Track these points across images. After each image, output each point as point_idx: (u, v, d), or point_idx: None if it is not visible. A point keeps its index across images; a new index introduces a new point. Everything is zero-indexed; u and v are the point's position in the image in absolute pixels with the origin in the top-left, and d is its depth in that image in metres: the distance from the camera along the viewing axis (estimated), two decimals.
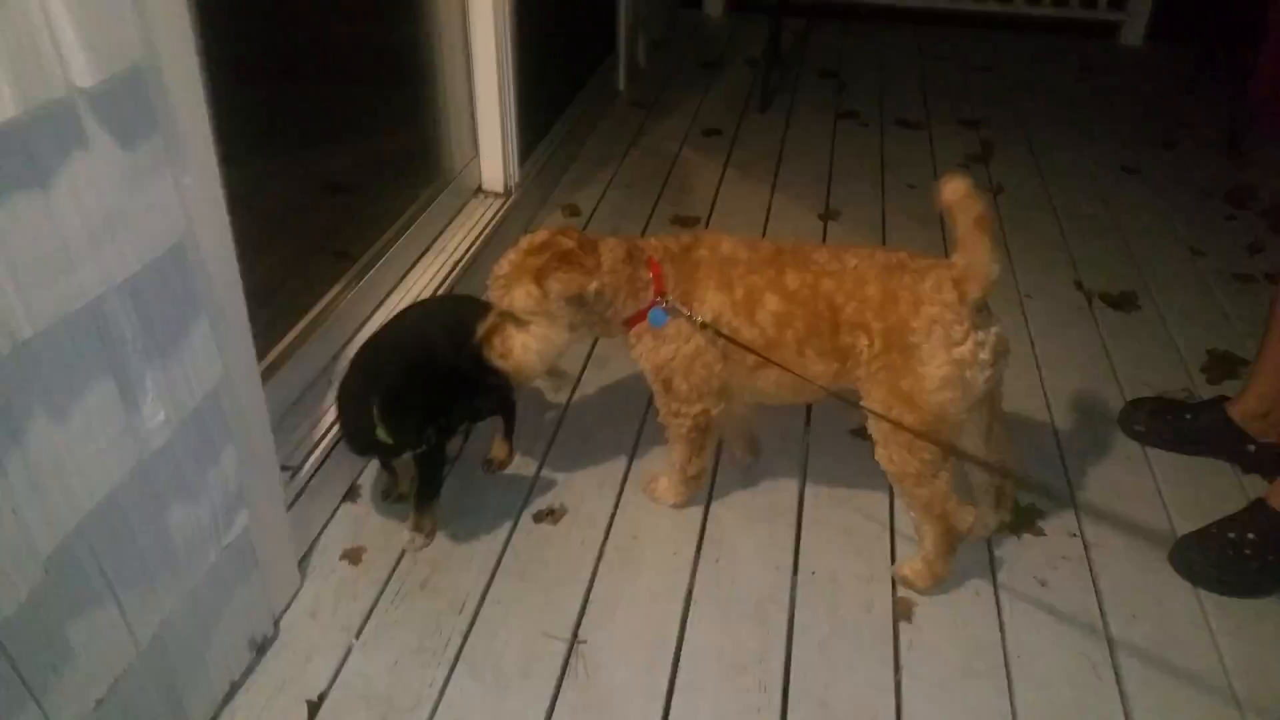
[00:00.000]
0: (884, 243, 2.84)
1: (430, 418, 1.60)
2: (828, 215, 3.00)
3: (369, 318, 2.15)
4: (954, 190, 1.46)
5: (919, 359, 1.52)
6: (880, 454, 1.62)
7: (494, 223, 2.58)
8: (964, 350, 1.51)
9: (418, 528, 1.77)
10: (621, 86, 3.85)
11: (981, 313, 1.54)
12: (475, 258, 2.44)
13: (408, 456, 1.74)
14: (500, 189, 2.71)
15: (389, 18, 2.45)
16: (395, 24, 2.45)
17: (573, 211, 2.95)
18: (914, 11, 4.75)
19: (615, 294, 1.62)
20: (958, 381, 1.52)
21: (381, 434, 1.61)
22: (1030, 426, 2.12)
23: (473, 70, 2.56)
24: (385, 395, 1.59)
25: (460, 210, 2.60)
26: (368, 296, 2.16)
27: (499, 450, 1.97)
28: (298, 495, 1.70)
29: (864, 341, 1.56)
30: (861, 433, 2.06)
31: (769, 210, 3.02)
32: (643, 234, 2.83)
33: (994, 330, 1.55)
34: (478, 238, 2.49)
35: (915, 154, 3.42)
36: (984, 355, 1.52)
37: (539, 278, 1.57)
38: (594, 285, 1.59)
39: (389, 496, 1.88)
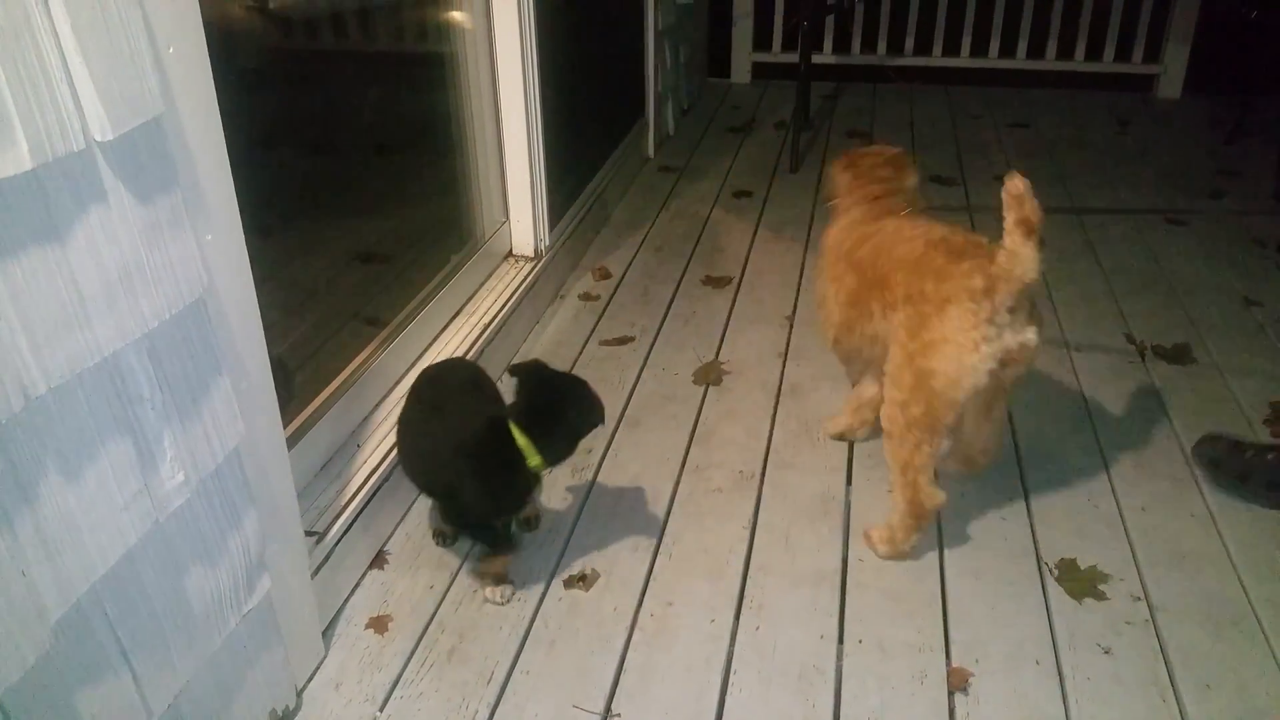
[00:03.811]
0: None
1: (572, 425, 1.64)
2: None
3: (399, 381, 2.13)
4: (1011, 189, 1.52)
5: (926, 328, 1.61)
6: (881, 409, 1.76)
7: (524, 286, 2.56)
8: (967, 337, 1.58)
9: (501, 576, 1.73)
10: (651, 152, 3.87)
11: (1015, 313, 1.58)
12: (505, 321, 2.42)
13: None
14: (531, 253, 2.70)
15: (420, 87, 2.48)
16: (426, 93, 2.48)
17: (604, 274, 2.93)
18: (942, 71, 4.76)
19: None
20: (952, 362, 1.59)
21: (535, 460, 1.59)
22: (1087, 484, 2.02)
23: (503, 138, 2.58)
24: (528, 415, 1.60)
25: (491, 274, 2.59)
26: (397, 360, 2.14)
27: (531, 508, 1.91)
28: (323, 562, 1.65)
29: (890, 296, 1.70)
30: None
31: (802, 269, 2.98)
32: (673, 296, 2.80)
33: (1020, 336, 1.60)
34: (508, 301, 2.47)
35: (951, 212, 3.37)
36: (986, 349, 1.58)
37: None
38: None
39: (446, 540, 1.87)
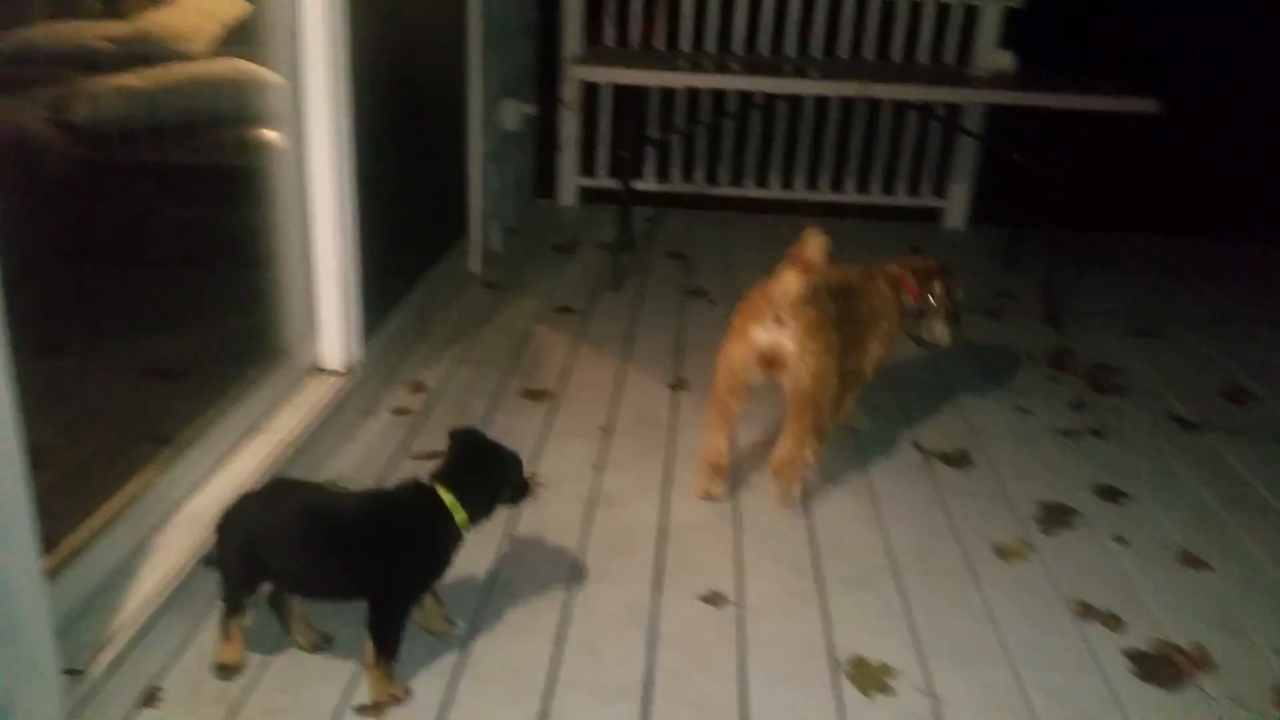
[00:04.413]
0: None
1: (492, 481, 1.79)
2: (677, 385, 3.05)
3: (183, 503, 2.02)
4: (806, 235, 2.10)
5: (730, 326, 2.30)
6: None
7: (331, 402, 2.51)
8: (738, 333, 2.25)
9: (393, 692, 1.72)
10: (475, 269, 3.92)
11: (781, 324, 2.18)
12: (308, 438, 2.36)
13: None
14: (341, 368, 2.65)
15: (229, 201, 2.45)
16: (235, 207, 2.45)
17: (419, 388, 2.91)
18: (755, 201, 5.07)
19: None
20: (729, 347, 2.28)
21: (461, 516, 1.71)
22: (877, 581, 2.12)
23: (312, 252, 2.56)
24: (450, 475, 1.74)
25: (294, 390, 2.52)
26: (184, 481, 2.03)
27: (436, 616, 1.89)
28: (83, 702, 1.52)
29: None
30: (713, 599, 2.03)
31: (621, 382, 3.05)
32: (489, 410, 2.81)
33: (774, 337, 2.20)
34: (312, 418, 2.41)
35: None
36: (747, 342, 2.22)
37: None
38: None
39: (319, 648, 1.82)
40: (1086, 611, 2.04)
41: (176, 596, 1.78)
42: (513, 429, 2.71)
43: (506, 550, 2.18)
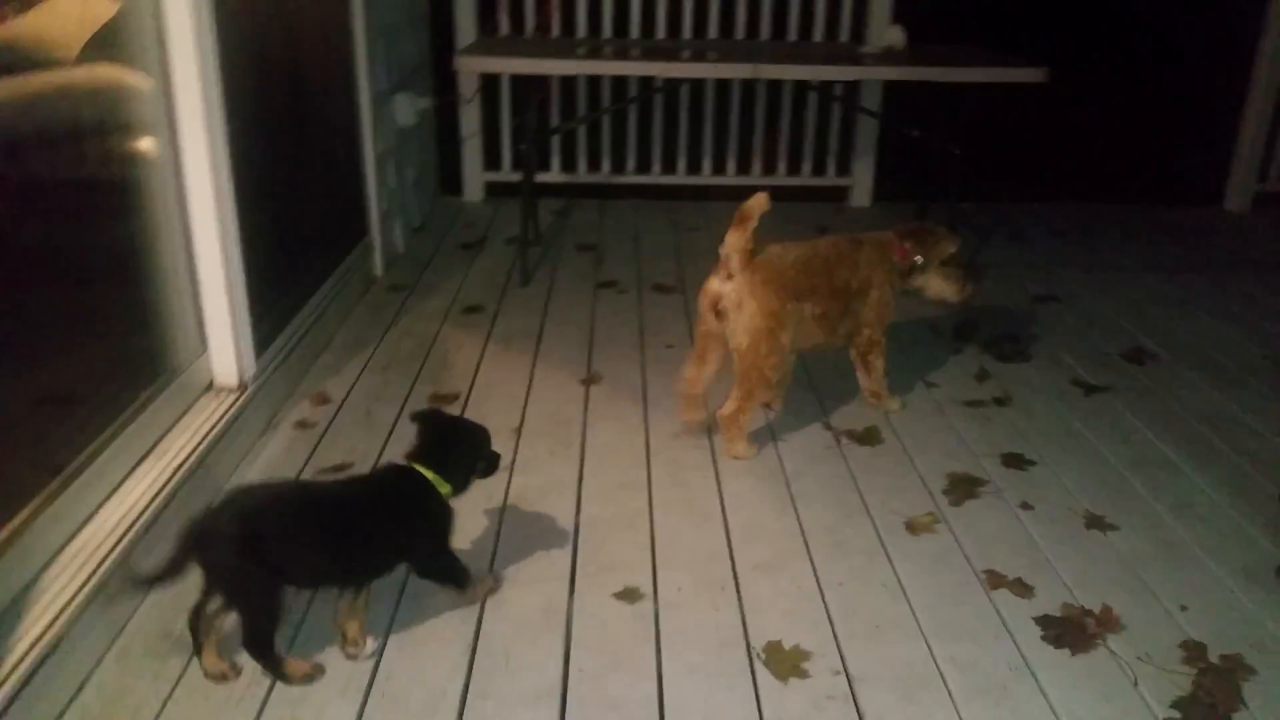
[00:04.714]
0: (644, 402, 2.87)
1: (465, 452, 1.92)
2: (590, 380, 3.02)
3: (75, 534, 1.92)
4: (753, 198, 2.40)
5: None
6: None
7: (227, 419, 2.42)
8: (709, 278, 2.50)
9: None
10: (380, 272, 3.83)
11: (730, 276, 2.43)
12: (204, 458, 2.27)
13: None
14: (235, 384, 2.56)
15: (98, 213, 2.33)
16: (105, 220, 2.33)
17: (322, 399, 2.83)
18: (665, 187, 5.06)
19: None
20: (701, 291, 2.51)
21: (445, 489, 1.84)
22: (792, 565, 2.12)
23: (195, 263, 2.45)
24: (423, 453, 1.86)
25: (186, 410, 2.42)
26: (73, 512, 1.93)
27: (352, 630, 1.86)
28: None
29: None
30: (628, 595, 2.01)
31: (531, 380, 3.00)
32: (397, 417, 2.74)
33: (719, 287, 2.45)
34: (206, 437, 2.32)
35: (671, 316, 3.54)
36: (705, 290, 2.49)
37: None
38: None
39: (226, 678, 1.76)
40: (996, 580, 2.08)
41: (69, 637, 1.69)
42: None
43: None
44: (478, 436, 1.95)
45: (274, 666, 1.73)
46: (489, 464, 1.97)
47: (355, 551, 1.77)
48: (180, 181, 2.39)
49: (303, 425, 2.69)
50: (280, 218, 2.88)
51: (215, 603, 1.71)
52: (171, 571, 1.65)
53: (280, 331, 2.84)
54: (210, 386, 2.54)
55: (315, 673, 1.77)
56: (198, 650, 1.75)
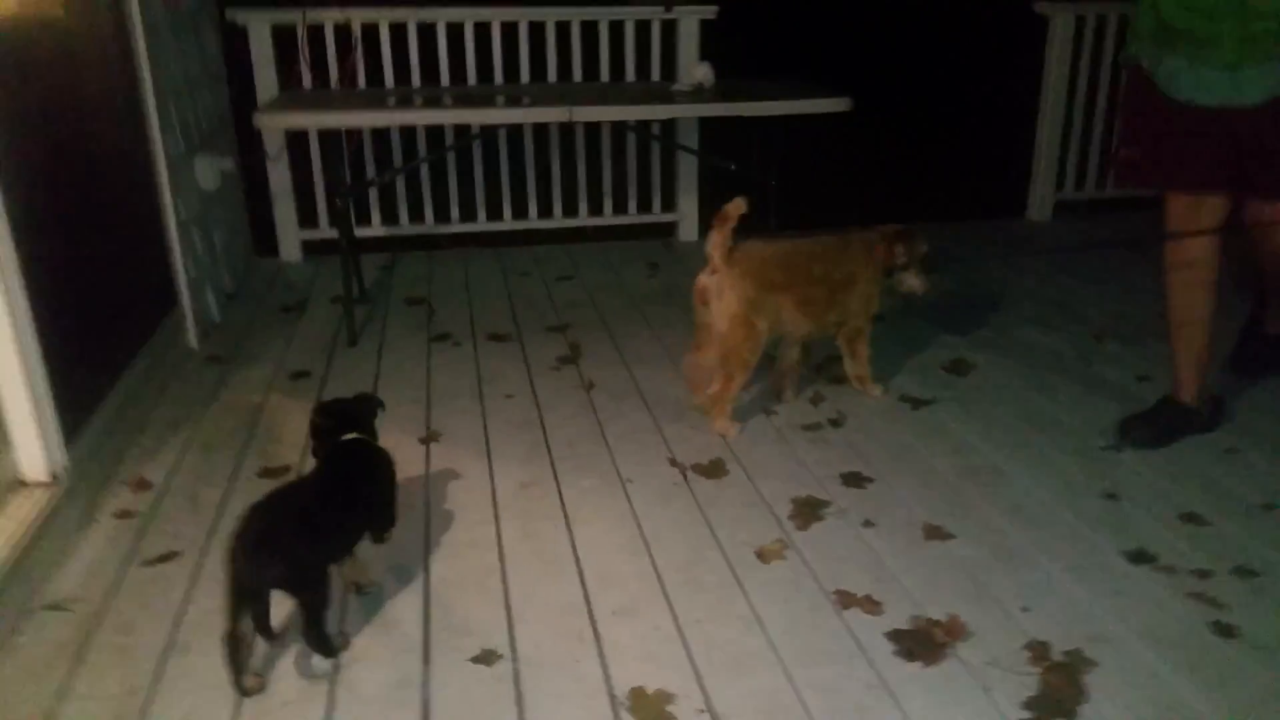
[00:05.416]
0: (487, 456, 2.82)
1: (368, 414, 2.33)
2: (429, 438, 2.93)
3: None
4: (731, 203, 2.75)
5: None
6: None
7: (39, 517, 2.22)
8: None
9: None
10: (194, 343, 3.61)
11: (713, 271, 2.78)
12: (19, 560, 2.08)
13: None
14: (44, 477, 2.35)
15: None
16: None
17: (142, 485, 2.62)
18: (492, 234, 5.02)
19: None
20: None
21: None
22: (649, 607, 2.12)
23: None
24: (354, 429, 2.23)
25: None
26: None
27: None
28: None
29: None
30: (485, 658, 1.95)
31: None
32: (224, 497, 2.58)
33: (707, 282, 2.80)
34: (19, 538, 2.12)
35: (509, 365, 3.50)
36: (697, 285, 2.84)
37: None
38: None
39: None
40: (847, 599, 2.13)
41: None
42: None
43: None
44: (370, 400, 2.34)
45: (334, 646, 1.96)
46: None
47: (362, 513, 2.14)
48: None
49: (124, 515, 2.49)
50: (78, 296, 2.67)
51: (247, 621, 1.84)
52: (253, 599, 1.84)
53: (91, 416, 2.63)
54: (19, 483, 2.33)
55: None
56: (240, 672, 1.85)
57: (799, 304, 2.89)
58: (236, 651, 1.84)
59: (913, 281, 3.10)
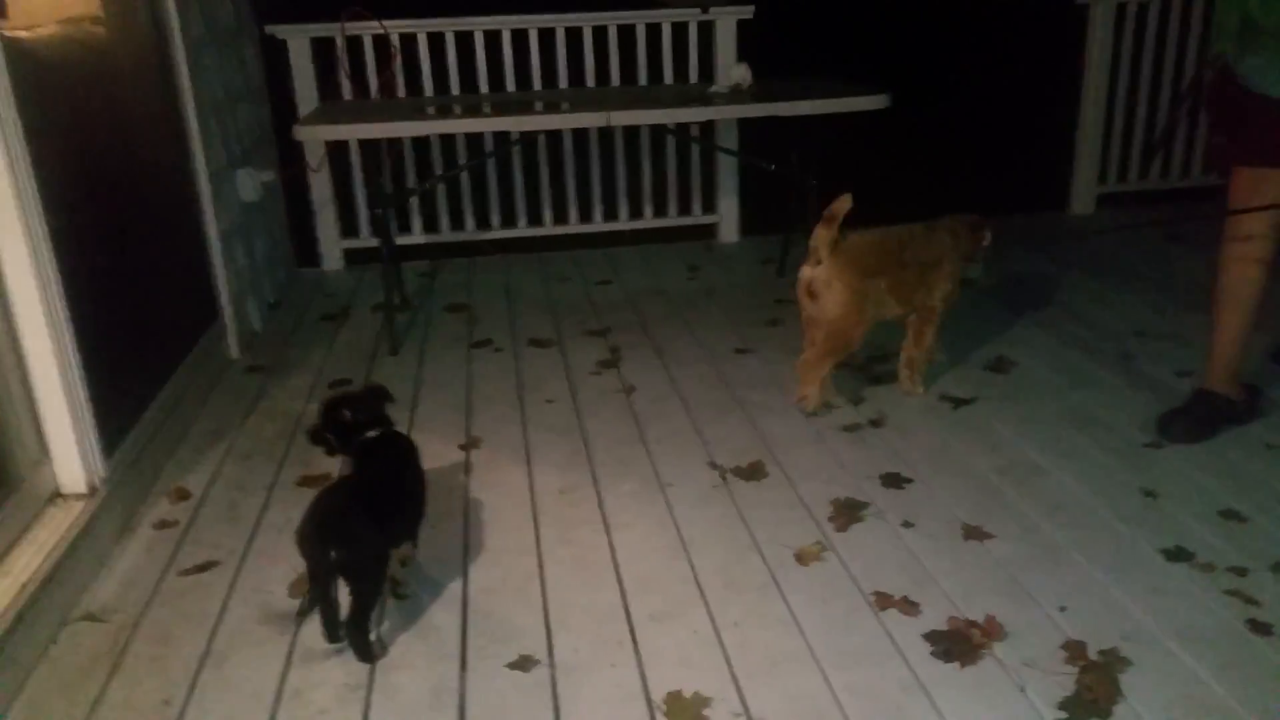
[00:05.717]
0: (527, 461, 2.81)
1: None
2: (469, 444, 2.94)
3: None
4: (838, 200, 2.84)
5: None
6: None
7: (77, 528, 2.26)
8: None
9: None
10: (234, 353, 3.66)
11: (818, 263, 2.88)
12: (54, 572, 2.11)
13: None
14: (84, 489, 2.39)
15: None
16: None
17: (181, 495, 2.67)
18: (531, 240, 5.03)
19: None
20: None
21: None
22: (686, 611, 2.09)
23: (26, 365, 2.29)
24: (377, 416, 2.34)
25: (31, 523, 2.25)
26: None
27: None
28: None
29: None
30: (523, 664, 1.93)
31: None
32: (264, 507, 2.61)
33: (812, 274, 2.90)
34: (58, 550, 2.16)
35: (550, 370, 3.50)
36: (800, 279, 2.96)
37: None
38: None
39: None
40: (884, 601, 2.09)
41: None
42: (293, 524, 2.50)
43: (297, 653, 2.00)
44: (381, 390, 2.39)
45: (372, 652, 1.99)
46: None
47: (410, 501, 2.23)
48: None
49: (163, 525, 2.53)
50: (119, 308, 2.72)
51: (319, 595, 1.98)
52: (324, 582, 1.96)
53: (131, 427, 2.67)
54: (56, 495, 2.37)
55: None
56: (335, 628, 2.00)
57: (892, 287, 2.99)
58: (328, 614, 1.99)
59: (977, 269, 3.28)
